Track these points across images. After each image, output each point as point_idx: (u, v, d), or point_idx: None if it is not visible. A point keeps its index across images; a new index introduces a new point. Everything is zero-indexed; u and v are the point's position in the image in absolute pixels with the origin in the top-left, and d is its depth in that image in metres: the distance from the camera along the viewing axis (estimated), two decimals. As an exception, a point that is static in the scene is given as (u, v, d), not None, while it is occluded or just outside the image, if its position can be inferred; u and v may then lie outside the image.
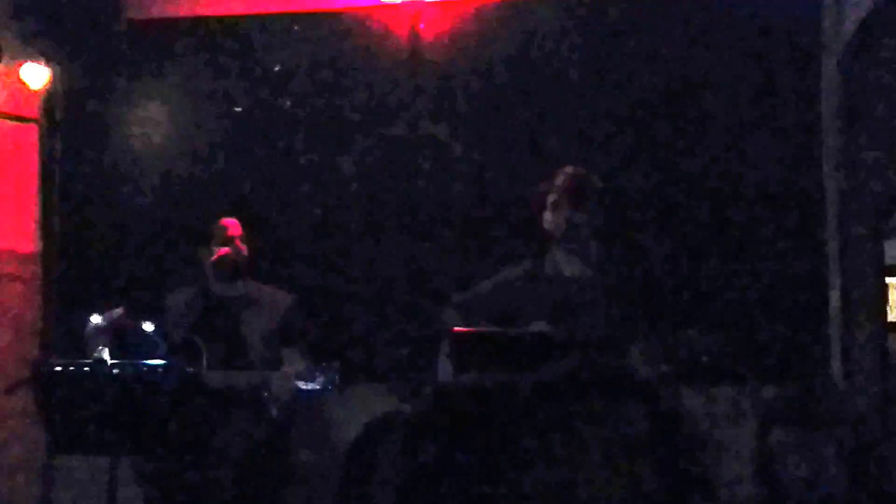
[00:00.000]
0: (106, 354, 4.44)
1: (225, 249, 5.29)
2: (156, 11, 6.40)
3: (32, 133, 6.35)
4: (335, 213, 6.13)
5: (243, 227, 5.39)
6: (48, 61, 6.19)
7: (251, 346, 5.20)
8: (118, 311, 4.94)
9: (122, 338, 4.87)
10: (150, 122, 6.37)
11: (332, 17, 6.22)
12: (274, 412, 4.96)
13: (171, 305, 5.32)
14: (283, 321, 5.29)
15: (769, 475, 2.85)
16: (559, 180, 4.45)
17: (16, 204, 6.28)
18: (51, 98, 6.35)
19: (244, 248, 5.36)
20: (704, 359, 4.04)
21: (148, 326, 5.04)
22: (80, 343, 4.92)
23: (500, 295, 4.48)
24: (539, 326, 4.33)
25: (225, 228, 5.33)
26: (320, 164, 6.17)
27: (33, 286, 6.31)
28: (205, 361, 4.92)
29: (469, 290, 4.66)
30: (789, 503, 2.81)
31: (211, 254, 5.31)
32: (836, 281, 5.57)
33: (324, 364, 4.85)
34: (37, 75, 6.19)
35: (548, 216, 4.44)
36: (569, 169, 4.53)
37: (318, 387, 4.82)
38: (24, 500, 6.13)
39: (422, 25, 6.08)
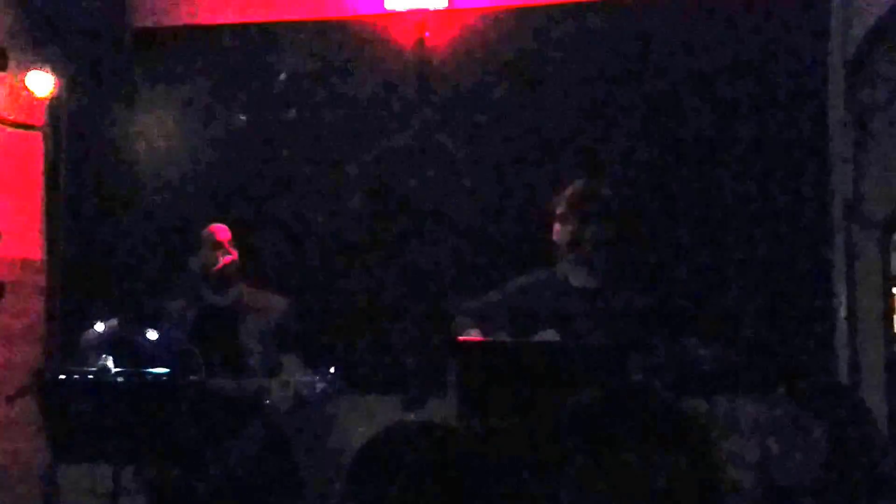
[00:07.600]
0: (110, 363, 4.44)
1: (229, 258, 5.29)
2: (161, 20, 6.41)
3: (38, 141, 6.36)
4: (341, 222, 6.12)
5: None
6: (54, 69, 6.20)
7: (249, 352, 5.19)
8: (112, 322, 4.94)
9: (120, 348, 4.86)
10: (156, 130, 6.37)
11: (338, 25, 6.22)
12: (274, 419, 4.95)
13: (168, 314, 5.31)
14: (278, 325, 5.27)
15: (765, 452, 2.85)
16: (567, 193, 4.50)
17: (21, 212, 6.28)
18: (56, 106, 6.35)
19: (234, 254, 5.34)
20: (706, 367, 4.02)
21: (151, 335, 5.03)
22: (81, 352, 4.93)
23: (513, 303, 4.49)
24: (546, 336, 4.32)
25: (212, 234, 5.32)
26: (326, 173, 6.16)
27: (38, 294, 6.30)
28: (203, 370, 4.90)
29: (481, 297, 4.65)
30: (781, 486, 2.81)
31: (206, 262, 5.28)
32: (842, 291, 5.54)
33: (324, 370, 4.84)
34: (42, 83, 6.20)
35: (557, 228, 4.50)
36: (578, 182, 4.56)
37: (318, 393, 4.81)
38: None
39: (427, 34, 6.07)
